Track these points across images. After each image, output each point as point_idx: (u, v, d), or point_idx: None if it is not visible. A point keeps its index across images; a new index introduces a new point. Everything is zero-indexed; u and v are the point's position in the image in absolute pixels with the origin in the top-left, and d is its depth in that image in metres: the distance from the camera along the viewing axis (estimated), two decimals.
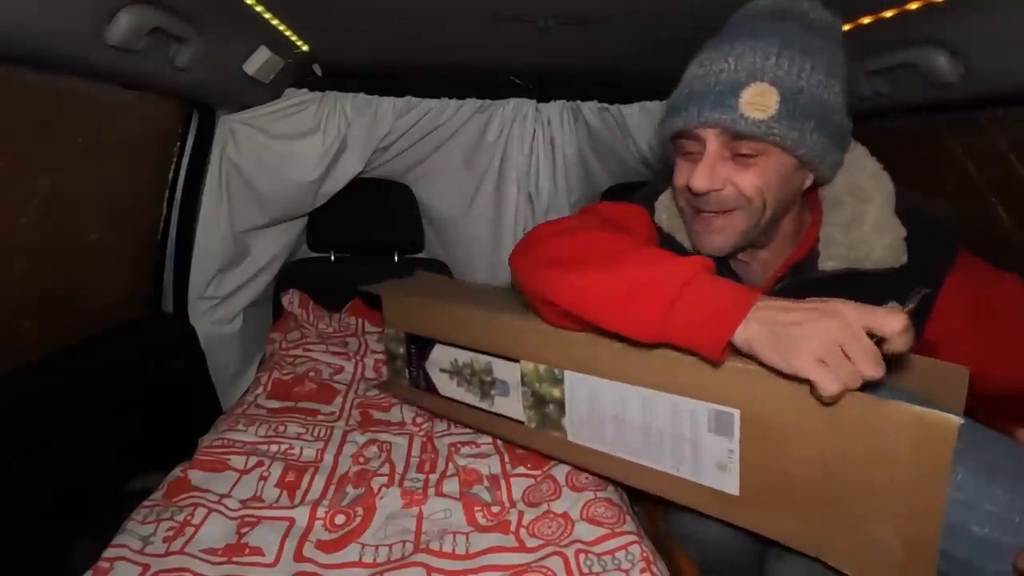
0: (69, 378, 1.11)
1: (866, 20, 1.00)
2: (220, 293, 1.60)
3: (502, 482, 0.97)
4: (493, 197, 1.76)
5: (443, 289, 1.18)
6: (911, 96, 1.08)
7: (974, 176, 1.14)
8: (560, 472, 0.96)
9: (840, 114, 0.73)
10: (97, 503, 1.14)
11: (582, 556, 0.81)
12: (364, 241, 1.80)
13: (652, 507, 1.03)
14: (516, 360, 0.89)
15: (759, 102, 0.66)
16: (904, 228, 0.75)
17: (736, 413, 0.65)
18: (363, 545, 0.84)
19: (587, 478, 0.96)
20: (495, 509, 0.90)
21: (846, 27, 1.05)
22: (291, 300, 1.65)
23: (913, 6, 0.90)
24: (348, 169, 1.61)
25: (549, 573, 0.78)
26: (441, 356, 1.02)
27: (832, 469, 0.60)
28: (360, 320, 1.65)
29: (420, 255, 1.91)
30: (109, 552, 0.78)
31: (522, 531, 0.86)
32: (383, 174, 1.79)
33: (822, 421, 0.59)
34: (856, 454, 0.58)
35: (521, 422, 0.93)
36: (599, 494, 0.92)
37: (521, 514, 0.89)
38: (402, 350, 1.10)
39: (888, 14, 0.96)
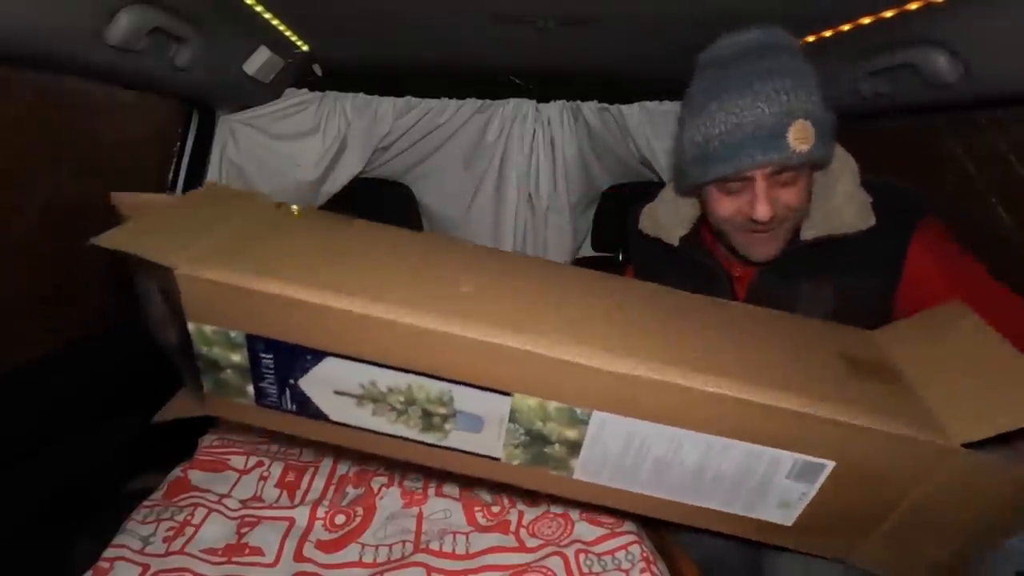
0: (69, 378, 1.11)
1: (866, 20, 1.00)
2: None
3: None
4: (493, 197, 1.76)
5: (300, 242, 0.72)
6: (911, 96, 1.08)
7: (974, 176, 1.14)
8: None
9: (833, 128, 0.80)
10: (97, 503, 1.14)
11: (582, 556, 0.81)
12: None
13: None
14: (506, 393, 0.64)
15: (803, 136, 0.74)
16: (870, 196, 0.83)
17: (830, 465, 0.60)
18: (363, 545, 0.84)
19: None
20: (495, 509, 0.90)
21: (846, 27, 1.05)
22: None
23: (913, 6, 0.91)
24: (348, 169, 1.61)
25: (549, 573, 0.78)
26: (336, 374, 0.65)
27: (907, 509, 0.60)
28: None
29: None
30: (109, 552, 0.78)
31: (522, 531, 0.86)
32: (383, 174, 1.79)
33: (918, 471, 0.58)
34: (945, 501, 0.58)
35: (495, 459, 0.69)
36: None
37: (521, 514, 0.89)
38: (237, 358, 0.66)
39: (888, 14, 0.96)
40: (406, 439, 0.69)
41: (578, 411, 0.63)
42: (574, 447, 0.66)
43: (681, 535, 0.94)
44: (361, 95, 1.56)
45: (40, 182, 1.05)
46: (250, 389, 0.69)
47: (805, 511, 0.64)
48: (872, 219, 0.82)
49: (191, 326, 0.65)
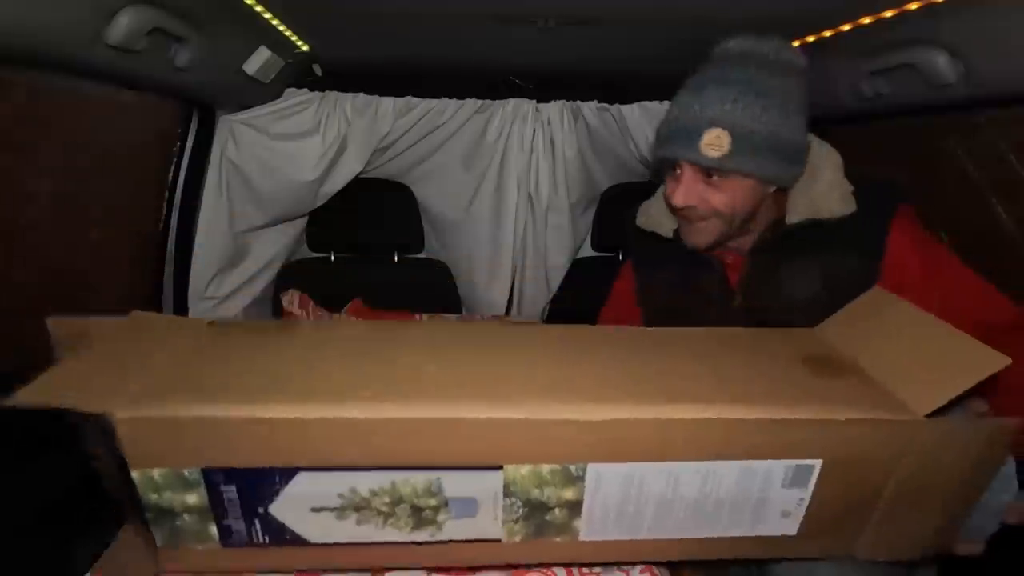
0: None
1: (866, 20, 1.00)
2: (220, 293, 1.59)
3: None
4: (493, 197, 1.76)
5: (246, 359, 0.66)
6: (911, 96, 1.08)
7: (974, 176, 1.14)
8: None
9: (796, 140, 0.85)
10: (98, 504, 1.14)
11: None
12: (364, 241, 1.80)
13: None
14: (496, 467, 0.61)
15: (715, 143, 0.81)
16: (851, 185, 0.90)
17: (818, 464, 0.62)
18: None
19: None
20: None
21: (846, 27, 1.05)
22: (291, 300, 1.65)
23: (913, 6, 0.91)
24: (348, 169, 1.61)
25: (549, 573, 0.78)
26: (311, 489, 0.61)
27: (893, 491, 0.63)
28: (360, 318, 1.65)
29: (420, 255, 1.91)
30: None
31: None
32: (383, 174, 1.79)
33: (896, 449, 0.61)
34: (922, 471, 0.62)
35: (496, 540, 0.65)
36: None
37: None
38: (194, 499, 0.60)
39: (888, 14, 0.96)
40: (398, 543, 0.64)
41: (572, 468, 0.62)
42: (575, 507, 0.64)
43: None
44: (361, 95, 1.56)
45: (40, 182, 1.05)
46: (213, 530, 0.61)
47: (806, 516, 0.65)
48: (854, 205, 0.88)
49: (135, 474, 0.58)
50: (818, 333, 0.77)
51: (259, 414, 0.56)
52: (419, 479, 0.61)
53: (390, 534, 0.64)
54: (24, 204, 1.03)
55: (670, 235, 1.01)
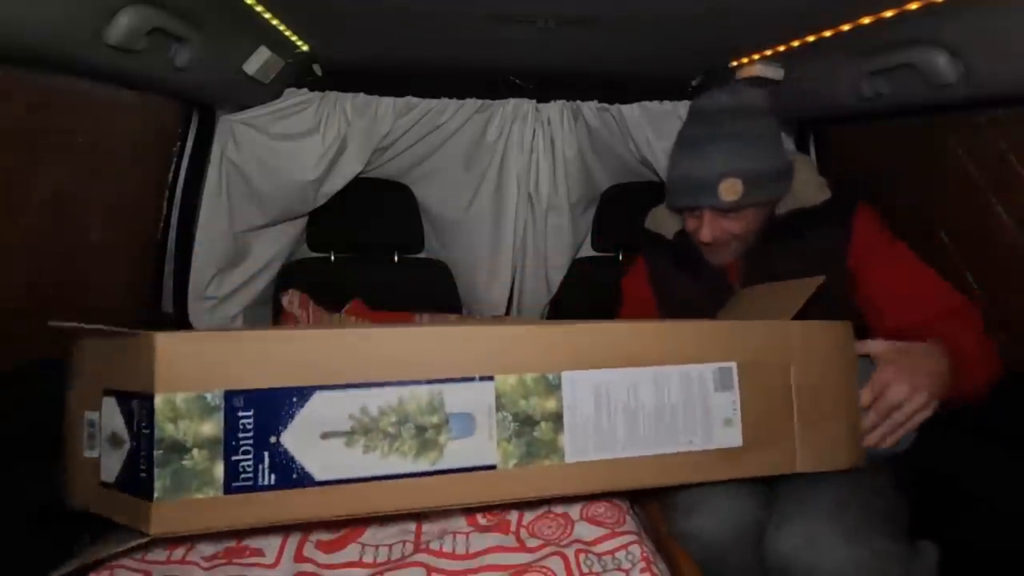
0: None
1: (866, 20, 1.00)
2: (220, 293, 1.59)
3: None
4: (493, 197, 1.76)
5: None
6: (911, 96, 1.08)
7: (974, 176, 1.14)
8: None
9: (785, 163, 1.04)
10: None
11: (582, 556, 0.81)
12: (364, 241, 1.80)
13: (652, 507, 1.03)
14: (488, 378, 0.68)
15: (731, 189, 0.97)
16: (824, 179, 1.11)
17: (733, 365, 0.77)
18: (363, 545, 0.84)
19: None
20: (495, 509, 0.90)
21: (846, 27, 1.05)
22: (291, 300, 1.65)
23: (913, 6, 0.90)
24: (348, 169, 1.61)
25: (549, 573, 0.78)
26: (324, 411, 0.63)
27: (799, 395, 0.79)
28: (360, 320, 1.65)
29: (420, 255, 1.91)
30: (109, 559, 0.78)
31: (522, 531, 0.86)
32: (383, 174, 1.79)
33: (782, 351, 0.79)
34: (809, 375, 0.79)
35: (491, 467, 0.69)
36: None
37: (521, 514, 0.89)
38: (209, 428, 0.60)
39: (888, 14, 0.96)
40: (399, 476, 0.67)
41: (550, 376, 0.71)
42: (557, 420, 0.71)
43: (679, 533, 0.95)
44: (361, 95, 1.56)
45: (40, 182, 1.05)
46: (219, 471, 0.60)
47: (743, 424, 0.77)
48: (828, 193, 1.07)
49: (160, 399, 0.58)
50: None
51: (281, 336, 0.64)
52: (423, 394, 0.66)
53: (393, 464, 0.66)
54: (24, 204, 1.03)
55: (671, 237, 1.18)
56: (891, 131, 1.35)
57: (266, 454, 0.62)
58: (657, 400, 0.74)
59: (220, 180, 1.51)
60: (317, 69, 1.53)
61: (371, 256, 1.83)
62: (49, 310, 1.12)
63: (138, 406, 0.59)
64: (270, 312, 1.79)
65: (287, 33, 1.22)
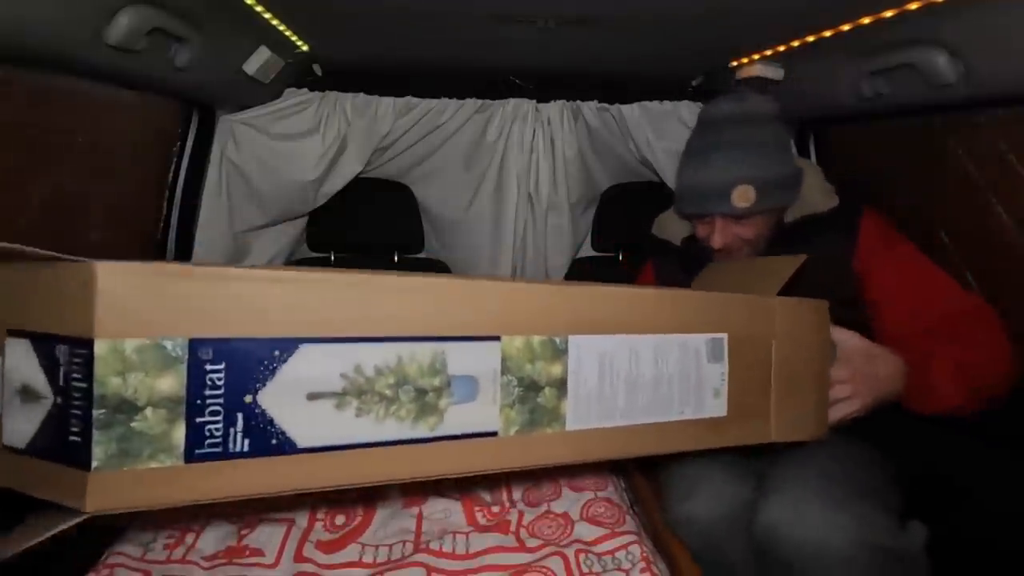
0: None
1: (866, 20, 1.00)
2: None
3: (502, 482, 0.97)
4: (493, 197, 1.76)
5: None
6: (911, 96, 1.08)
7: (974, 176, 1.14)
8: (561, 475, 0.97)
9: (794, 170, 1.05)
10: None
11: (582, 556, 0.81)
12: (364, 241, 1.80)
13: (652, 507, 1.03)
14: (495, 338, 0.64)
15: (743, 196, 0.98)
16: (832, 184, 1.11)
17: (724, 337, 0.78)
18: (363, 545, 0.84)
19: (587, 478, 0.96)
20: (495, 509, 0.90)
21: (846, 27, 1.05)
22: None
23: (913, 6, 0.90)
24: (348, 169, 1.61)
25: (549, 573, 0.78)
26: (311, 368, 0.55)
27: (777, 364, 0.82)
28: None
29: (420, 255, 1.91)
30: (109, 558, 0.78)
31: (522, 531, 0.87)
32: (383, 174, 1.79)
33: (768, 325, 0.81)
34: (789, 344, 0.81)
35: (492, 433, 0.67)
36: (599, 494, 0.92)
37: (521, 514, 0.89)
38: (168, 384, 0.48)
39: (888, 14, 0.96)
40: (395, 443, 0.60)
41: (557, 340, 0.67)
42: (561, 386, 0.68)
43: (674, 520, 0.96)
44: (361, 95, 1.56)
45: (40, 182, 1.05)
46: (178, 435, 0.49)
47: (729, 394, 0.79)
48: (836, 199, 1.07)
49: (101, 346, 0.45)
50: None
51: (268, 274, 0.53)
52: (425, 352, 0.60)
53: (389, 429, 0.59)
54: (24, 204, 1.03)
55: (679, 243, 1.20)
56: (891, 131, 1.35)
57: (239, 416, 0.52)
58: (656, 370, 0.74)
59: (220, 180, 1.50)
60: (317, 69, 1.53)
61: (371, 256, 1.83)
62: None
63: (67, 353, 0.47)
64: None
65: (287, 33, 1.22)
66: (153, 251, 1.46)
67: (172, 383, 0.48)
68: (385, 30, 1.20)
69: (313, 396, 0.54)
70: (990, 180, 1.11)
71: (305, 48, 1.34)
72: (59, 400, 0.47)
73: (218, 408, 0.50)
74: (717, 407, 0.79)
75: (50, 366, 0.48)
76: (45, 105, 1.01)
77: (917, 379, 0.87)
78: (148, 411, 0.47)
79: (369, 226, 1.77)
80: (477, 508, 0.90)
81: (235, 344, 0.50)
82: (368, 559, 0.81)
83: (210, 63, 1.13)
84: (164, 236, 1.47)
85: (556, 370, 0.67)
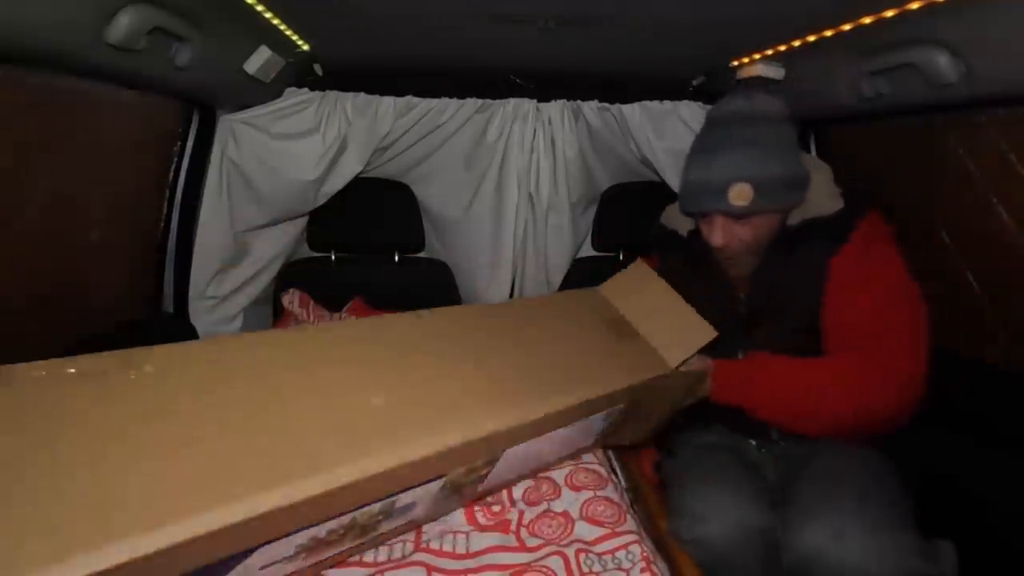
0: None
1: (867, 20, 1.00)
2: (220, 293, 1.59)
3: None
4: (493, 197, 1.76)
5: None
6: (912, 96, 1.08)
7: (975, 176, 1.14)
8: (559, 474, 0.97)
9: (799, 171, 1.02)
10: None
11: (582, 555, 0.81)
12: (364, 241, 1.80)
13: (652, 507, 1.03)
14: (440, 476, 0.70)
15: (741, 195, 0.97)
16: (839, 188, 1.08)
17: (620, 407, 0.92)
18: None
19: (586, 477, 0.96)
20: (495, 508, 0.90)
21: (847, 27, 1.05)
22: (291, 300, 1.65)
23: (914, 6, 0.90)
24: (348, 169, 1.61)
25: (550, 573, 0.78)
26: (267, 555, 0.57)
27: (646, 413, 1.00)
28: (361, 316, 1.65)
29: (420, 255, 1.90)
30: None
31: (522, 531, 0.87)
32: (383, 174, 1.79)
33: (662, 391, 0.96)
34: (665, 397, 0.99)
35: (416, 518, 0.80)
36: (599, 493, 0.92)
37: (521, 513, 0.89)
38: None
39: (889, 14, 0.96)
40: (333, 554, 0.70)
41: (495, 455, 0.76)
42: (483, 479, 0.80)
43: (682, 539, 0.95)
44: (362, 95, 1.56)
45: (40, 182, 1.05)
46: None
47: (600, 434, 0.99)
48: (841, 202, 1.05)
49: None
50: (599, 292, 1.07)
51: (207, 527, 0.45)
52: (376, 507, 0.65)
53: (332, 551, 0.68)
54: (24, 204, 1.03)
55: (685, 235, 1.20)
56: (891, 131, 1.35)
57: None
58: (563, 442, 0.90)
59: (220, 180, 1.50)
60: (318, 69, 1.53)
61: (372, 256, 1.83)
62: (49, 310, 1.12)
63: None
64: (270, 312, 1.79)
65: (287, 33, 1.22)
66: (153, 251, 1.46)
67: None
68: (386, 30, 1.20)
69: (266, 567, 0.58)
70: (990, 180, 1.11)
71: (306, 48, 1.34)
72: None
73: None
74: (587, 442, 0.99)
75: None
76: (45, 105, 1.01)
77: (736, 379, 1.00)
78: None
79: (369, 226, 1.77)
80: (477, 508, 0.90)
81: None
82: (369, 558, 0.81)
83: (211, 63, 1.13)
84: (164, 236, 1.47)
85: (484, 472, 0.79)
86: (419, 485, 0.67)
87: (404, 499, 0.68)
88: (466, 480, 0.77)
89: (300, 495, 0.51)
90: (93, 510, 0.42)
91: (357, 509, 0.61)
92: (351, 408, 0.61)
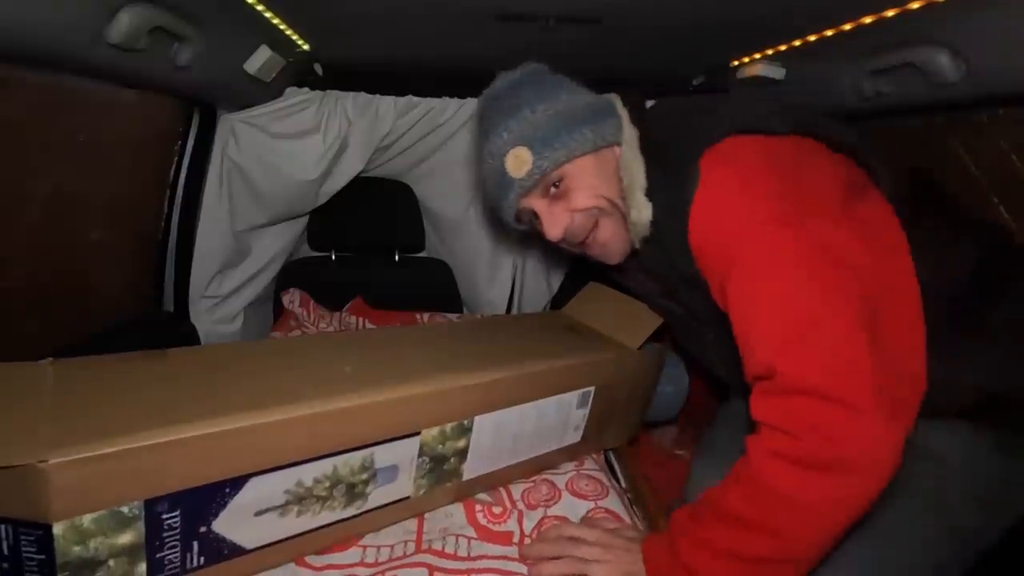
0: None
1: (867, 20, 1.00)
2: (221, 292, 1.59)
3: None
4: None
5: (148, 386, 0.64)
6: (913, 96, 1.08)
7: (976, 176, 1.14)
8: (560, 479, 0.97)
9: (582, 101, 0.87)
10: None
11: None
12: (365, 240, 1.80)
13: (652, 510, 1.03)
14: (415, 434, 0.75)
15: (517, 162, 0.83)
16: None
17: (592, 389, 0.97)
18: (364, 547, 0.84)
19: (587, 484, 0.96)
20: (496, 510, 0.90)
21: (847, 27, 1.05)
22: (292, 299, 1.65)
23: (914, 5, 0.90)
24: (349, 168, 1.61)
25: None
26: (259, 493, 0.63)
27: (625, 400, 1.05)
28: (361, 319, 1.65)
29: (421, 254, 1.90)
30: None
31: (525, 540, 0.86)
32: (384, 173, 1.79)
33: (628, 373, 1.02)
34: (635, 387, 1.07)
35: (405, 498, 0.81)
36: (600, 503, 0.92)
37: (521, 514, 0.89)
38: (128, 537, 0.55)
39: (889, 14, 0.95)
40: (328, 524, 0.73)
41: (466, 423, 0.81)
42: (463, 454, 0.84)
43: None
44: (362, 94, 1.56)
45: (40, 182, 1.05)
46: (141, 569, 0.57)
47: (585, 427, 1.00)
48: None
49: (59, 528, 0.50)
50: (567, 311, 1.18)
51: (211, 429, 0.57)
52: (356, 458, 0.71)
53: (324, 517, 0.72)
54: (24, 204, 1.03)
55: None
56: (892, 131, 1.35)
57: (195, 543, 0.61)
58: (538, 423, 0.91)
59: (221, 179, 1.50)
60: (318, 68, 1.53)
61: (372, 255, 1.83)
62: (49, 309, 1.12)
63: (14, 529, 0.51)
64: (271, 311, 1.79)
65: (288, 32, 1.22)
66: (154, 250, 1.46)
67: (131, 537, 0.55)
68: (386, 29, 1.20)
69: (260, 512, 0.65)
70: (991, 180, 1.11)
71: (306, 47, 1.34)
72: (5, 566, 0.53)
73: (175, 543, 0.59)
74: (574, 437, 1.00)
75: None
76: (45, 105, 1.01)
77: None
78: (111, 562, 0.55)
79: (370, 225, 1.77)
80: (478, 508, 0.90)
81: (189, 492, 0.58)
82: (370, 559, 0.81)
83: (211, 62, 1.13)
84: (165, 235, 1.47)
85: (461, 444, 0.83)
86: (395, 440, 0.73)
87: (383, 458, 0.74)
88: (445, 452, 0.80)
89: (280, 416, 0.61)
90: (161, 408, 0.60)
91: (337, 455, 0.68)
92: (326, 372, 0.75)
